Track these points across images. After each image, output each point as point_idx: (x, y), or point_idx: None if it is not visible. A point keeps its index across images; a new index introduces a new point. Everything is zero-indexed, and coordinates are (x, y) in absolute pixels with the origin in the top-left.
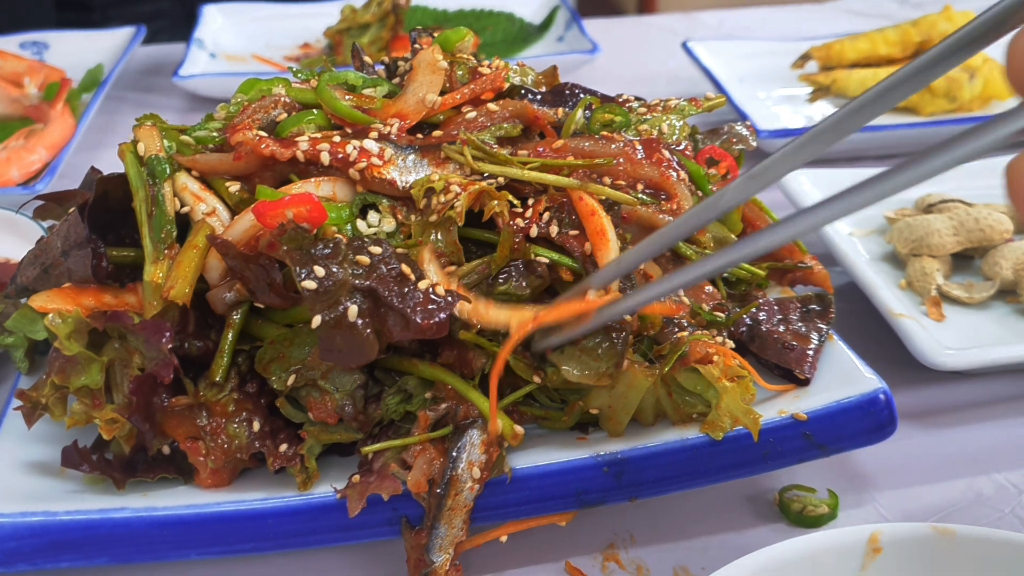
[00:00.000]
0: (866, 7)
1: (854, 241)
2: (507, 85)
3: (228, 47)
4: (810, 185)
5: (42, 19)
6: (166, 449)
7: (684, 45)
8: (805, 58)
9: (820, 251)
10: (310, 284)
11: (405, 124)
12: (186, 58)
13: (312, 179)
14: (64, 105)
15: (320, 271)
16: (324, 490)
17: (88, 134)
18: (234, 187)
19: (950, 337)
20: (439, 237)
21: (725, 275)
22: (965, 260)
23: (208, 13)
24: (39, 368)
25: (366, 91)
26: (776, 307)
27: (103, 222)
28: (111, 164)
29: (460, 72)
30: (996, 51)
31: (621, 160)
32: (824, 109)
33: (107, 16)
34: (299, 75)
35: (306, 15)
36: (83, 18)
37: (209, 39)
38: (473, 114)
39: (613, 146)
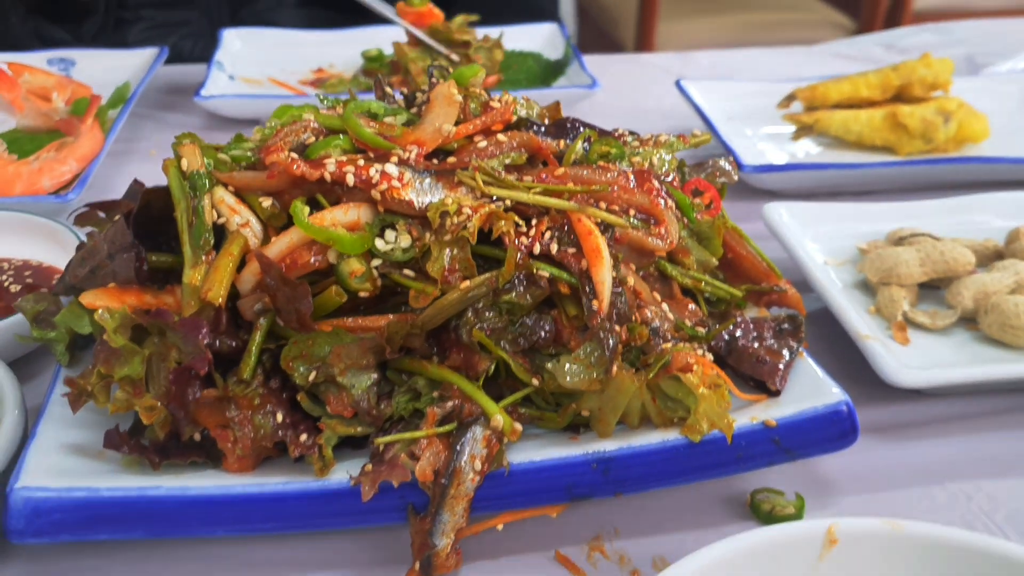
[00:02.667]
0: (853, 51)
1: (828, 269)
2: (515, 118)
3: (246, 70)
4: (789, 217)
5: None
6: (197, 436)
7: (678, 84)
8: (790, 98)
9: (796, 278)
10: None
11: (423, 151)
12: (207, 79)
13: (340, 206)
14: (94, 120)
15: None
16: (339, 477)
17: (112, 148)
18: (267, 202)
19: (913, 359)
20: (454, 253)
21: (707, 295)
22: (931, 290)
23: (227, 37)
24: (77, 362)
25: (387, 119)
26: (752, 325)
27: (144, 230)
28: (135, 176)
29: (473, 105)
30: (970, 96)
31: (616, 188)
32: (807, 147)
33: (139, 16)
34: (325, 102)
35: (320, 43)
36: (117, 17)
37: (228, 62)
38: (484, 143)
39: (609, 175)
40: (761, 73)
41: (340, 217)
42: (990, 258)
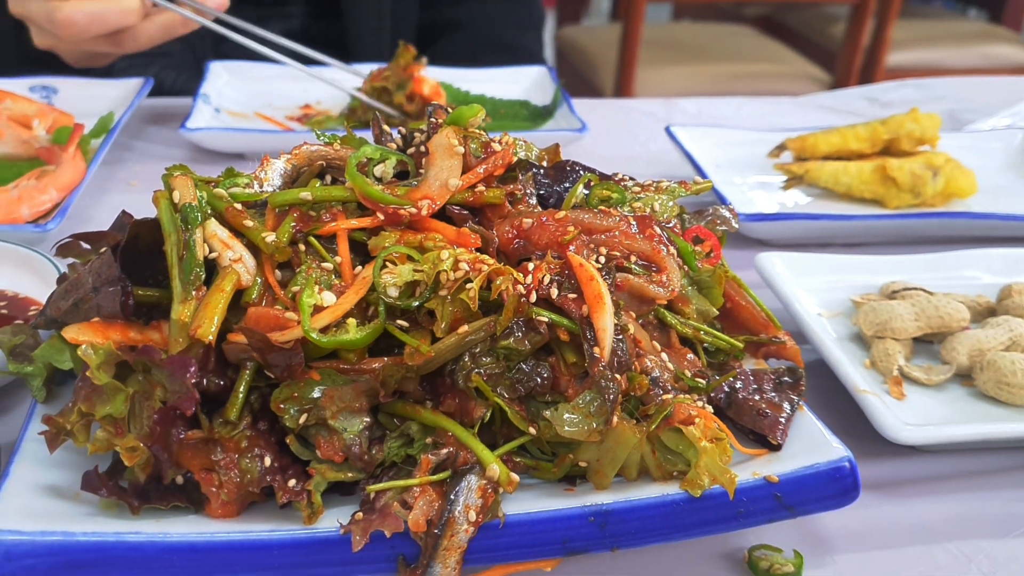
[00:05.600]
0: (837, 103)
1: (823, 321)
2: (515, 159)
3: (232, 103)
4: (783, 267)
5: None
6: (179, 479)
7: (667, 130)
8: (781, 148)
9: (791, 329)
10: None
11: (435, 206)
12: (193, 111)
13: (344, 299)
14: (76, 149)
15: None
16: (328, 525)
17: (93, 179)
18: (270, 237)
19: (909, 414)
20: (454, 310)
21: (706, 345)
22: (925, 344)
23: (214, 70)
24: (52, 398)
25: (377, 168)
26: (752, 377)
27: (132, 263)
28: (115, 207)
29: (473, 146)
30: (956, 151)
31: (617, 233)
32: (796, 197)
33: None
34: (321, 138)
35: (308, 78)
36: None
37: (214, 94)
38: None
39: (610, 220)
40: (745, 122)
41: (344, 306)
42: (983, 314)
